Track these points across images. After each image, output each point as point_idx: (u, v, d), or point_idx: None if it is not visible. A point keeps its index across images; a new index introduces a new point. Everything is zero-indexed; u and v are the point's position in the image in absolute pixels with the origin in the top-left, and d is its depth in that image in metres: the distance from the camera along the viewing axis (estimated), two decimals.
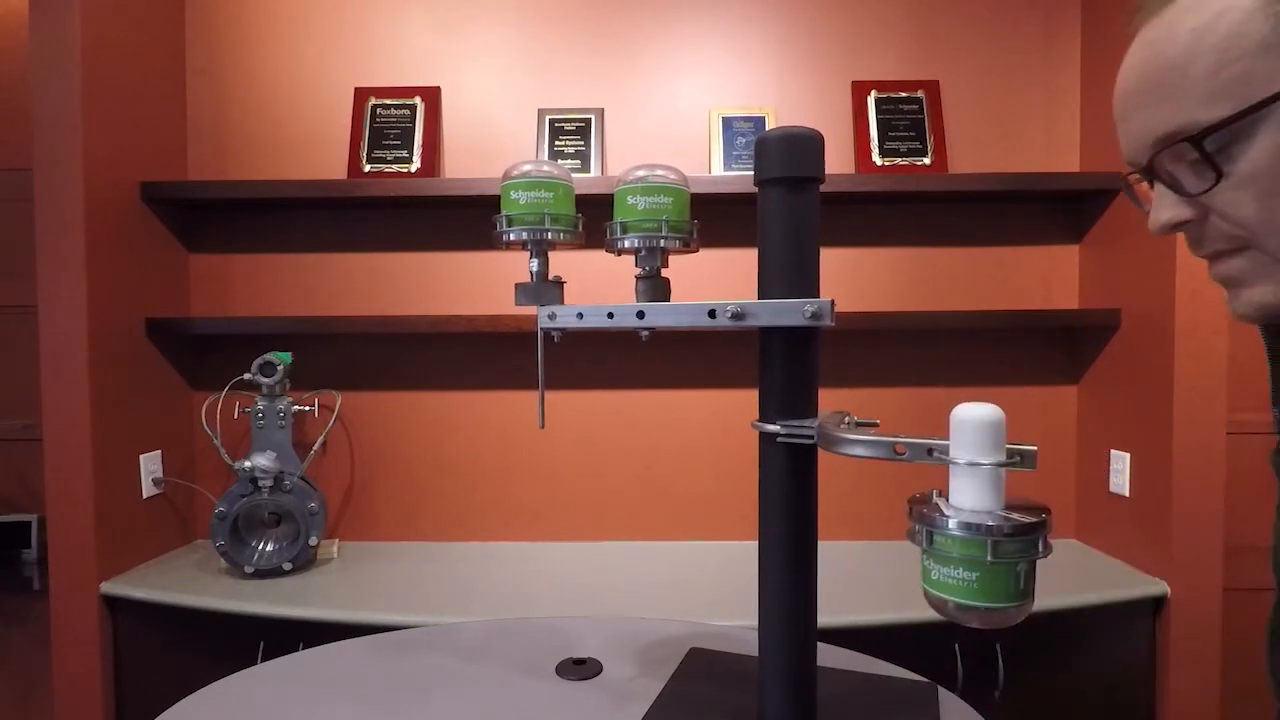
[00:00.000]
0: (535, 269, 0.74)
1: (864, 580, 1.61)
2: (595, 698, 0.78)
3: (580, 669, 0.84)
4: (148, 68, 1.75)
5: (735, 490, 1.89)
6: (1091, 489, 1.83)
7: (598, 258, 1.82)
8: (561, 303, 0.74)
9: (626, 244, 0.72)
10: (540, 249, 0.74)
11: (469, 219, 1.87)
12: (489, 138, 1.89)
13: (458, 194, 1.70)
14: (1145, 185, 0.56)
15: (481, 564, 1.73)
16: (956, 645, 1.47)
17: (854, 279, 1.88)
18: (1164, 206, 0.52)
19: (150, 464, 1.74)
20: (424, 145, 1.83)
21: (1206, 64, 0.46)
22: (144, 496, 1.72)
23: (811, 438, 0.64)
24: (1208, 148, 0.46)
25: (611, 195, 0.74)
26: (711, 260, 1.86)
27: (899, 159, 1.82)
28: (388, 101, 1.86)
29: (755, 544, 1.87)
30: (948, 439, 0.54)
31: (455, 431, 1.90)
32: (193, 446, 1.90)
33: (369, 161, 1.83)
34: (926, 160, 1.81)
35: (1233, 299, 0.53)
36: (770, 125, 1.86)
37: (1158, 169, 0.52)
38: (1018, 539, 0.51)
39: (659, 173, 0.71)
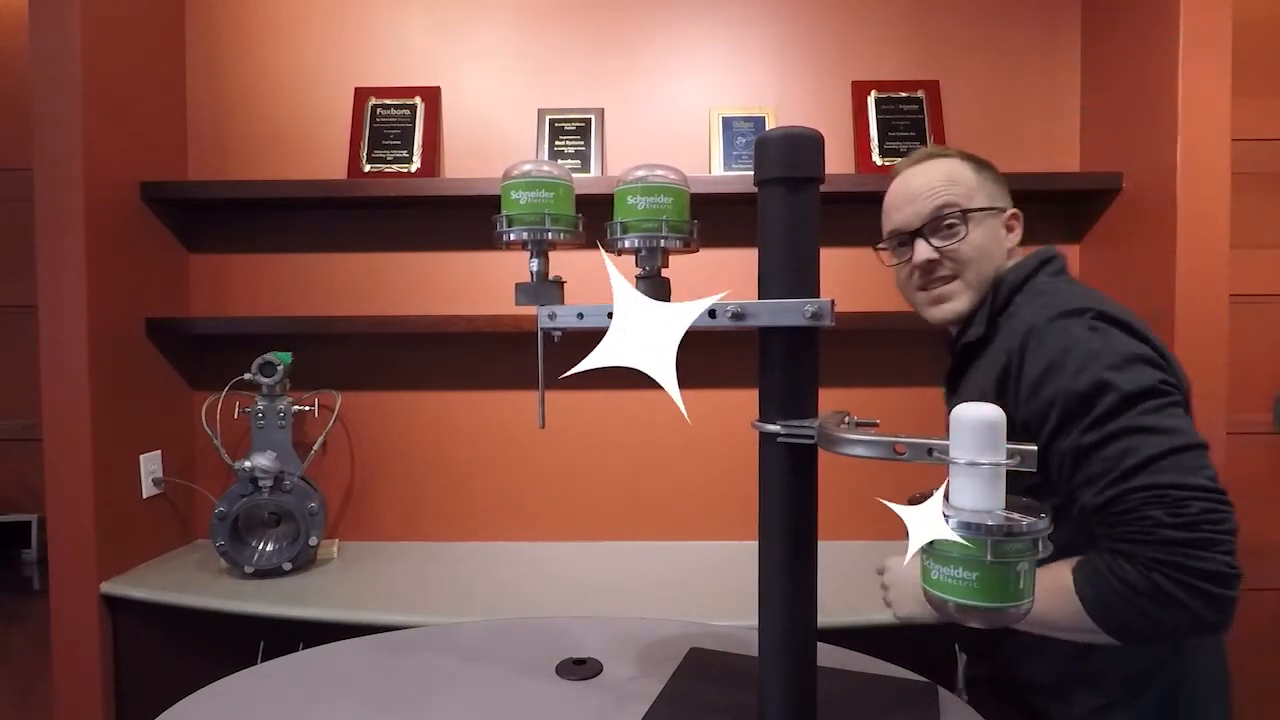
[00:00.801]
0: (535, 269, 0.75)
1: (864, 580, 1.61)
2: (595, 698, 0.78)
3: (580, 669, 0.84)
4: (148, 68, 1.75)
5: (735, 490, 1.89)
6: None
7: (598, 258, 1.82)
8: (561, 303, 0.74)
9: (627, 244, 0.72)
10: (540, 249, 0.74)
11: (469, 219, 1.87)
12: (489, 138, 1.89)
13: (458, 194, 1.70)
14: (886, 253, 1.03)
15: (481, 564, 1.73)
16: (956, 645, 1.47)
17: (854, 279, 1.88)
18: (924, 251, 0.94)
19: (150, 464, 1.74)
20: (424, 145, 1.83)
21: (968, 179, 0.96)
22: (144, 496, 1.72)
23: (811, 438, 0.64)
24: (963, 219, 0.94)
25: (611, 195, 0.73)
26: (711, 260, 1.86)
27: (899, 159, 1.82)
28: (388, 101, 1.86)
29: (755, 544, 1.85)
30: (948, 439, 0.54)
31: (455, 431, 1.90)
32: (193, 446, 1.90)
33: (369, 161, 1.83)
34: None
35: (936, 309, 0.97)
36: (770, 125, 1.86)
37: (926, 231, 0.94)
38: (1017, 539, 0.51)
39: (659, 173, 0.71)
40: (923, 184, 0.94)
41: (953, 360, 0.98)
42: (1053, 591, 0.77)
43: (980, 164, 0.98)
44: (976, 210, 0.93)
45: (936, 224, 0.93)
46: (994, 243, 0.95)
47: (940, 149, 0.99)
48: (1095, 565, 0.76)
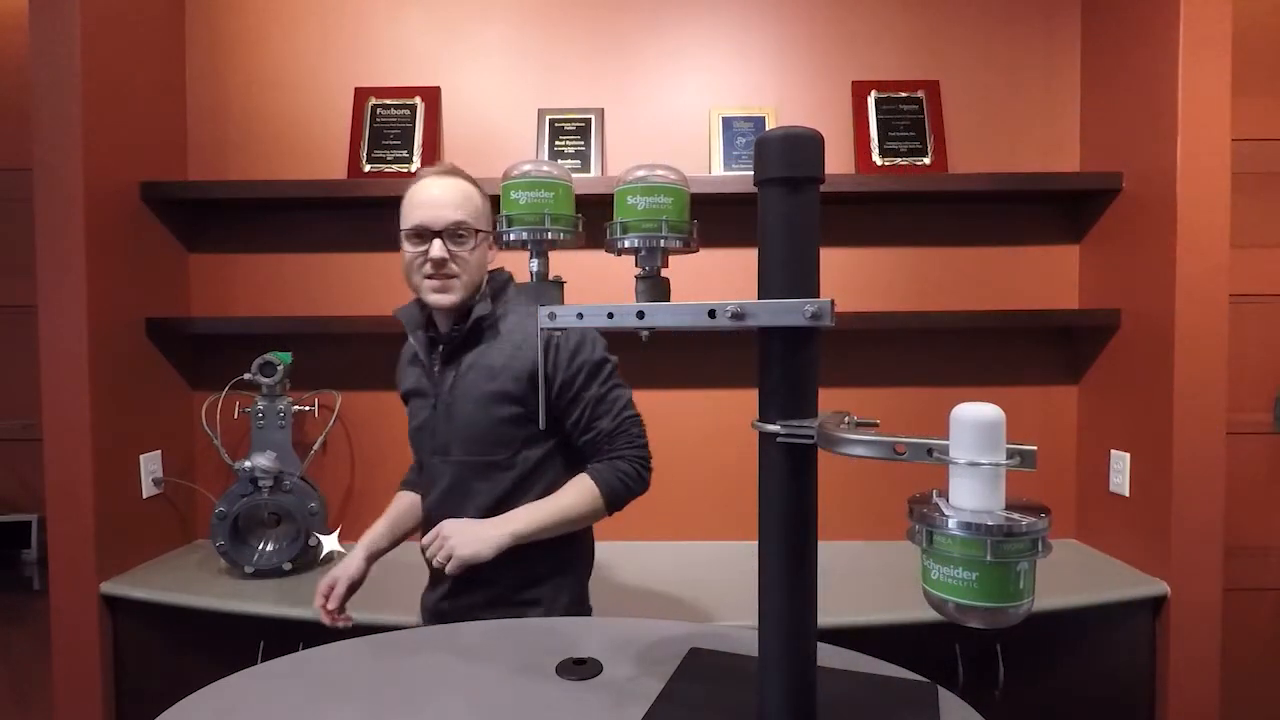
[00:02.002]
0: (535, 269, 0.74)
1: (864, 580, 1.61)
2: (595, 698, 0.78)
3: (580, 669, 0.84)
4: (148, 68, 1.75)
5: (735, 490, 1.89)
6: (1091, 489, 1.83)
7: (598, 258, 1.82)
8: (561, 303, 0.74)
9: (626, 244, 0.72)
10: (540, 249, 0.74)
11: None
12: (489, 138, 1.89)
13: None
14: (406, 239, 1.19)
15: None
16: (956, 645, 1.47)
17: (854, 279, 1.88)
18: (438, 250, 1.15)
19: (150, 464, 1.74)
20: (424, 145, 1.83)
21: (479, 203, 1.22)
22: (144, 496, 1.72)
23: (811, 438, 0.64)
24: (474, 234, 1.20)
25: (611, 195, 0.73)
26: (711, 260, 1.86)
27: (899, 159, 1.82)
28: (388, 101, 1.86)
29: (755, 544, 1.85)
30: (948, 439, 0.54)
31: None
32: (193, 446, 1.90)
33: (369, 161, 1.83)
34: (926, 160, 1.81)
35: (439, 295, 1.17)
36: (770, 125, 1.86)
37: (447, 234, 1.16)
38: (1017, 539, 0.51)
39: (659, 173, 0.71)
40: (449, 196, 1.17)
41: (461, 336, 1.20)
42: (581, 493, 1.17)
43: (484, 194, 1.23)
44: (481, 231, 1.21)
45: (453, 232, 1.17)
46: (485, 256, 1.23)
47: (461, 171, 1.23)
48: (605, 468, 1.18)
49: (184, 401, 1.88)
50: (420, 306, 1.25)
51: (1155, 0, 1.59)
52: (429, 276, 1.17)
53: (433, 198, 1.17)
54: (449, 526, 1.15)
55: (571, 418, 1.19)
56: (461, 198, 1.18)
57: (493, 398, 1.17)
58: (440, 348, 1.23)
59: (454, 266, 1.17)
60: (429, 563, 1.17)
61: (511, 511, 1.16)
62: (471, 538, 1.13)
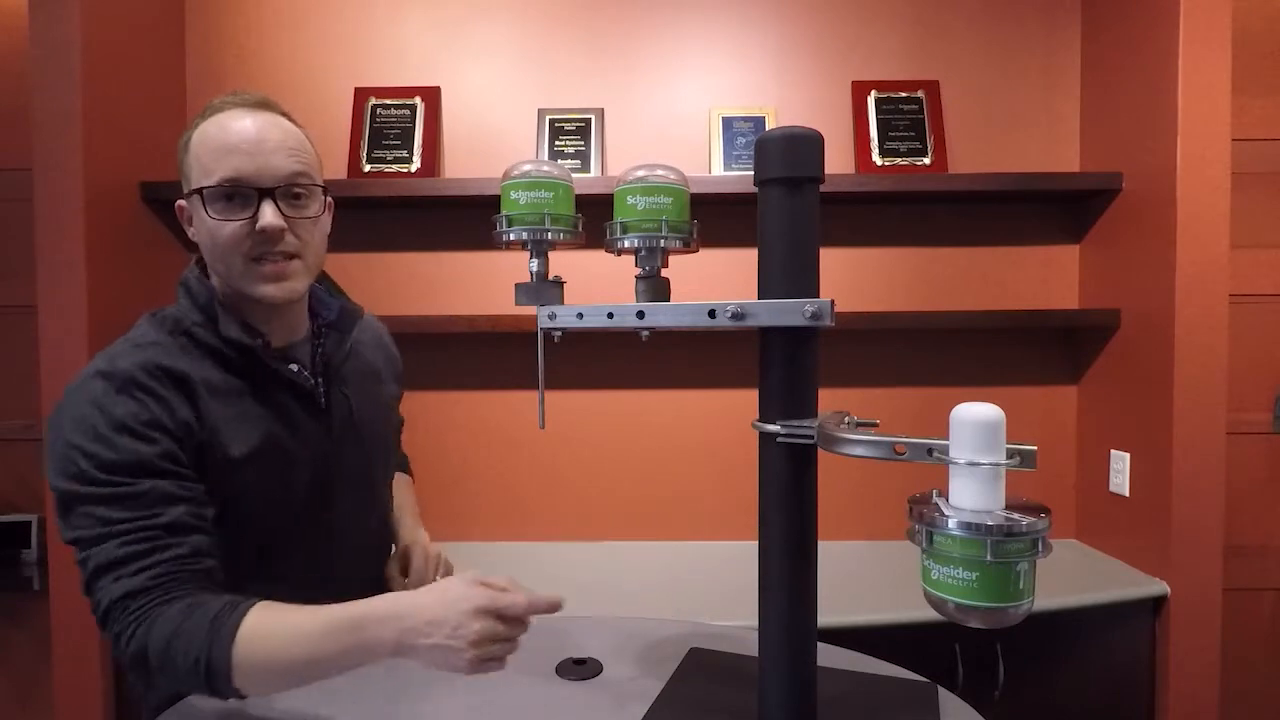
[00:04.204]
0: (535, 269, 0.74)
1: (864, 580, 1.61)
2: (595, 698, 0.78)
3: (580, 669, 0.84)
4: (148, 68, 1.75)
5: (735, 490, 1.89)
6: (1091, 489, 1.83)
7: (598, 258, 1.82)
8: (561, 303, 0.74)
9: (626, 244, 0.72)
10: (540, 249, 0.74)
11: (469, 219, 1.87)
12: (489, 138, 1.89)
13: (458, 194, 1.70)
14: (200, 201, 0.81)
15: (481, 564, 1.72)
16: (956, 645, 1.47)
17: (854, 279, 1.88)
18: (272, 216, 0.79)
19: None
20: (424, 145, 1.83)
21: (312, 151, 0.86)
22: None
23: (811, 438, 0.64)
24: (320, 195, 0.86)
25: (611, 195, 0.73)
26: (711, 260, 1.86)
27: (899, 159, 1.82)
28: (388, 101, 1.86)
29: (755, 544, 1.85)
30: (947, 439, 0.54)
31: (455, 431, 1.90)
32: None
33: (369, 161, 1.83)
34: (926, 160, 1.81)
35: (273, 286, 0.81)
36: (770, 125, 1.86)
37: (280, 194, 0.80)
38: (1017, 539, 0.51)
39: (659, 173, 0.71)
40: (276, 137, 0.80)
41: (345, 341, 0.93)
42: (410, 487, 1.16)
43: (311, 139, 0.87)
44: (327, 190, 0.86)
45: (288, 190, 0.80)
46: (327, 229, 0.89)
47: (278, 105, 0.86)
48: (405, 462, 1.19)
49: None
50: (211, 301, 0.82)
51: (1155, 0, 1.59)
52: (257, 259, 0.80)
53: (251, 139, 0.79)
54: (422, 548, 1.03)
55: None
56: (295, 141, 0.83)
57: (391, 404, 1.03)
58: (318, 361, 0.90)
59: (292, 240, 0.81)
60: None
61: (404, 517, 1.07)
62: (435, 549, 1.04)
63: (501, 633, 0.69)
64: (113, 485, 0.70)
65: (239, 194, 0.79)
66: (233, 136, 0.79)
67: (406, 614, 0.68)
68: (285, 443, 0.83)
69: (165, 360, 0.76)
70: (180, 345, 0.80)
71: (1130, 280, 1.68)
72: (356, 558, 0.94)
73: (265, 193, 0.79)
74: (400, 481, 1.12)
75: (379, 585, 0.95)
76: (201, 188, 0.79)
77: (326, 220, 0.88)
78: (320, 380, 0.89)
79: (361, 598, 0.71)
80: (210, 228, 0.80)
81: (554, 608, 0.72)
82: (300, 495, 0.84)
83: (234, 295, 0.84)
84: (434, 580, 0.95)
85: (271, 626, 0.68)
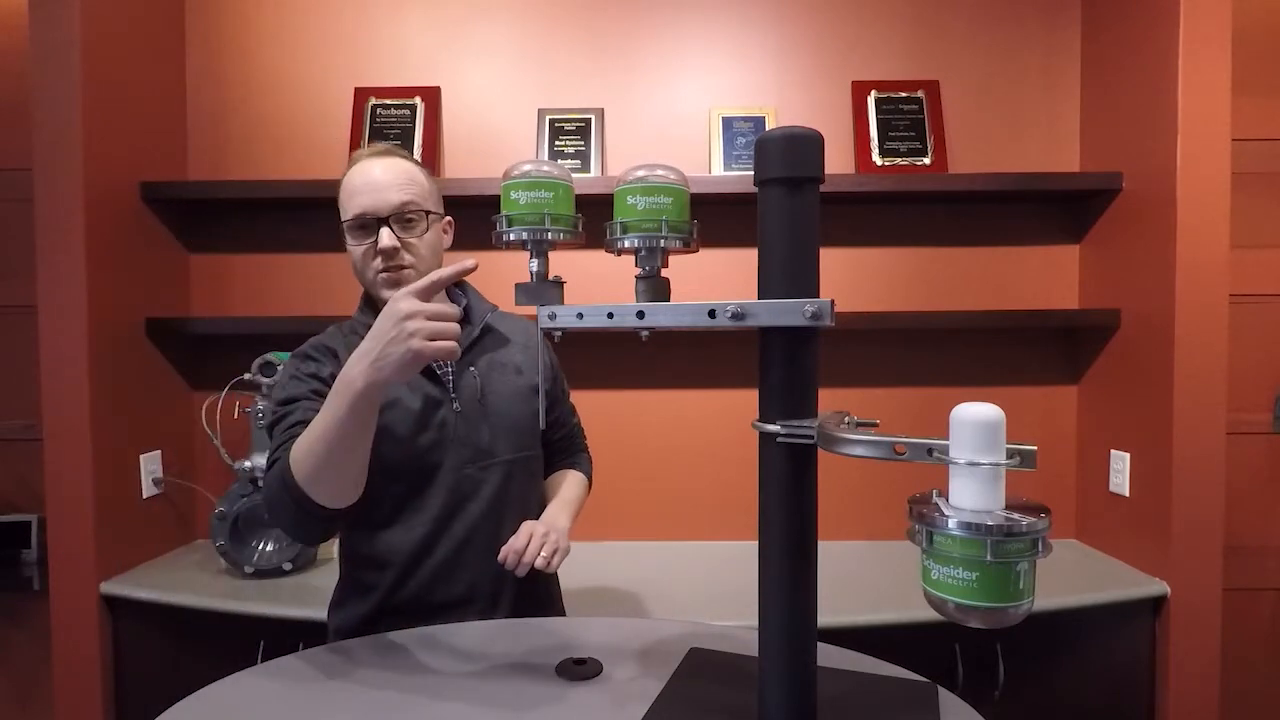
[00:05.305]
0: (535, 269, 0.74)
1: (864, 580, 1.61)
2: (595, 698, 0.78)
3: (580, 669, 0.84)
4: (148, 68, 1.75)
5: (735, 490, 1.89)
6: (1091, 489, 1.83)
7: (598, 258, 1.82)
8: (561, 303, 0.74)
9: (626, 244, 0.72)
10: (540, 249, 0.74)
11: (469, 219, 1.86)
12: (489, 138, 1.89)
13: (458, 194, 1.70)
14: (349, 232, 1.07)
15: None
16: (956, 645, 1.47)
17: (854, 279, 1.88)
18: (387, 238, 1.03)
19: (150, 464, 1.74)
20: (424, 145, 1.83)
21: (425, 182, 1.10)
22: (144, 496, 1.72)
23: (811, 438, 0.64)
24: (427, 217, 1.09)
25: (611, 195, 0.73)
26: (711, 260, 1.86)
27: (899, 159, 1.82)
28: (388, 101, 1.86)
29: (755, 544, 1.85)
30: (947, 439, 0.54)
31: None
32: (193, 446, 1.90)
33: None
34: (926, 160, 1.81)
35: (396, 290, 0.95)
36: (770, 125, 1.86)
37: (394, 219, 1.04)
38: (1017, 539, 0.51)
39: (659, 173, 0.71)
40: (390, 177, 1.05)
41: (476, 335, 1.14)
42: (581, 485, 1.24)
43: (428, 172, 1.13)
44: (433, 212, 1.10)
45: (401, 215, 1.05)
46: (439, 241, 1.13)
47: (400, 149, 1.11)
48: (583, 462, 1.30)
49: (184, 401, 1.88)
50: (374, 308, 1.11)
51: (1155, 0, 1.59)
52: (381, 271, 1.06)
53: (373, 181, 1.04)
54: (543, 524, 1.06)
55: (554, 415, 1.25)
56: (405, 177, 1.06)
57: (528, 393, 1.13)
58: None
59: (406, 255, 1.06)
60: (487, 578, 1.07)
61: (550, 509, 1.13)
62: (562, 531, 1.07)
63: (428, 310, 0.80)
64: (288, 403, 1.02)
65: (365, 224, 1.05)
66: (358, 180, 1.05)
67: (357, 353, 0.83)
68: (408, 402, 1.05)
69: (326, 341, 1.11)
70: (343, 334, 1.12)
71: (1130, 280, 1.68)
72: (486, 509, 1.07)
73: (383, 220, 1.04)
74: (570, 478, 1.24)
75: (495, 550, 1.04)
76: (344, 222, 1.07)
77: (436, 234, 1.11)
78: (450, 363, 1.10)
79: (481, 561, 1.04)
80: (352, 250, 1.08)
81: (463, 271, 0.83)
82: (421, 446, 1.05)
83: (375, 298, 1.11)
84: (529, 547, 1.01)
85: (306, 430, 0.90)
